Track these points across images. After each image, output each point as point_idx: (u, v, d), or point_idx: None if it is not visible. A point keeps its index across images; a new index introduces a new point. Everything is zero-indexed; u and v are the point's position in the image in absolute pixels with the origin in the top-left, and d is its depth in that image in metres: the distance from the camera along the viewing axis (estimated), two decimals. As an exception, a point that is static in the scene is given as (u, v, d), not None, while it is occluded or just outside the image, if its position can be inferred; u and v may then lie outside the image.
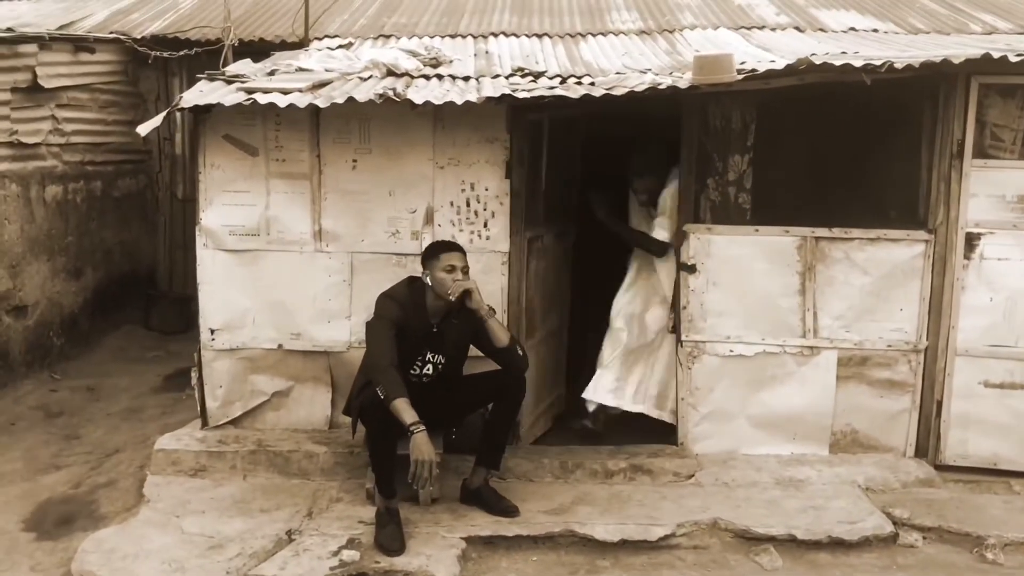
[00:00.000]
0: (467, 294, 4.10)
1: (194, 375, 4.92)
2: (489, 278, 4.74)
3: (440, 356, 4.24)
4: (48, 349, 6.61)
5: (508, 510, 4.21)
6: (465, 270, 4.16)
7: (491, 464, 4.30)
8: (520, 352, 4.22)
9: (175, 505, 4.33)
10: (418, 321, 4.14)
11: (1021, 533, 4.12)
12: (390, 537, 3.90)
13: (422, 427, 3.74)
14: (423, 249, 4.33)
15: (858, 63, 4.33)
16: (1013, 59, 4.24)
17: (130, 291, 7.64)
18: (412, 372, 4.18)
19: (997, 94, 4.57)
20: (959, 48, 4.95)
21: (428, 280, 4.14)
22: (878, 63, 4.31)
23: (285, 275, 4.76)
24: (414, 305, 4.14)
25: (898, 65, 4.27)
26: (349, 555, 3.83)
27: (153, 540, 4.00)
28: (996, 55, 4.25)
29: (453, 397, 4.28)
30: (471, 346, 4.32)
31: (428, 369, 4.22)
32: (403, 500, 4.08)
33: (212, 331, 4.78)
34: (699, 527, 4.14)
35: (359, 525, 4.10)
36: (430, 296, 4.16)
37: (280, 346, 4.82)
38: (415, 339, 4.13)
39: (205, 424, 4.88)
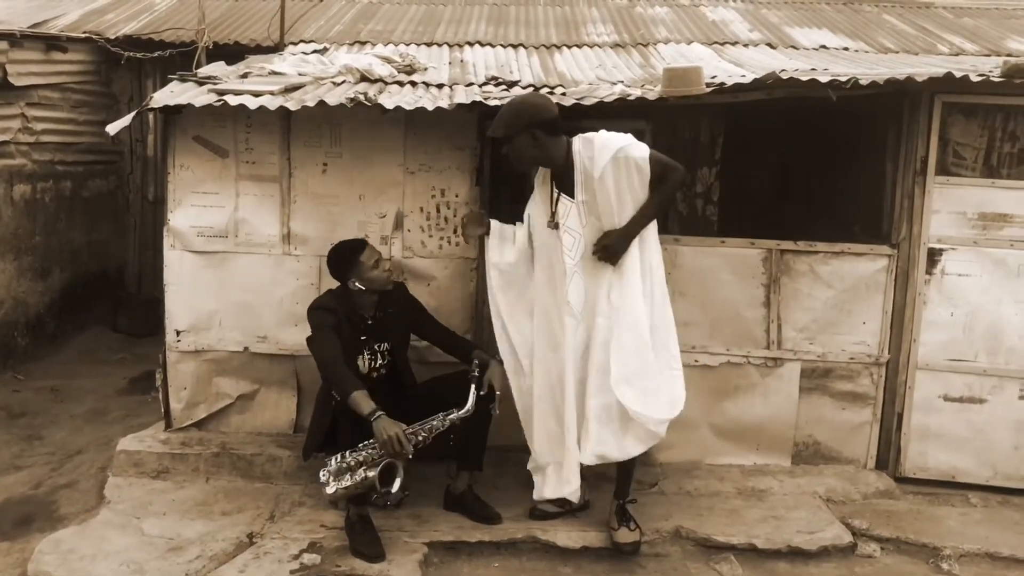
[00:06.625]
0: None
1: (159, 377, 4.90)
2: (457, 284, 4.77)
3: (385, 344, 4.24)
4: (12, 349, 6.54)
5: (491, 517, 4.18)
6: (380, 256, 4.23)
7: (473, 466, 4.26)
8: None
9: (136, 507, 4.29)
10: (353, 319, 4.16)
11: (976, 544, 4.18)
12: (369, 544, 3.89)
13: (380, 412, 3.72)
14: (332, 264, 4.19)
15: (824, 79, 4.39)
16: (974, 79, 4.32)
17: (98, 292, 7.57)
18: (364, 367, 4.17)
19: (960, 113, 4.66)
20: (925, 67, 5.04)
21: (360, 286, 4.13)
22: (844, 79, 4.37)
23: (253, 277, 4.75)
24: (344, 307, 4.14)
25: (863, 82, 4.34)
26: (310, 558, 3.81)
27: (112, 541, 3.96)
28: (958, 74, 4.33)
29: (420, 401, 4.11)
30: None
31: (378, 360, 4.21)
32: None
33: (178, 332, 4.76)
34: (660, 535, 4.16)
35: (321, 529, 4.08)
36: (358, 297, 4.17)
37: (246, 349, 4.80)
38: (354, 335, 4.15)
39: (169, 426, 4.85)
